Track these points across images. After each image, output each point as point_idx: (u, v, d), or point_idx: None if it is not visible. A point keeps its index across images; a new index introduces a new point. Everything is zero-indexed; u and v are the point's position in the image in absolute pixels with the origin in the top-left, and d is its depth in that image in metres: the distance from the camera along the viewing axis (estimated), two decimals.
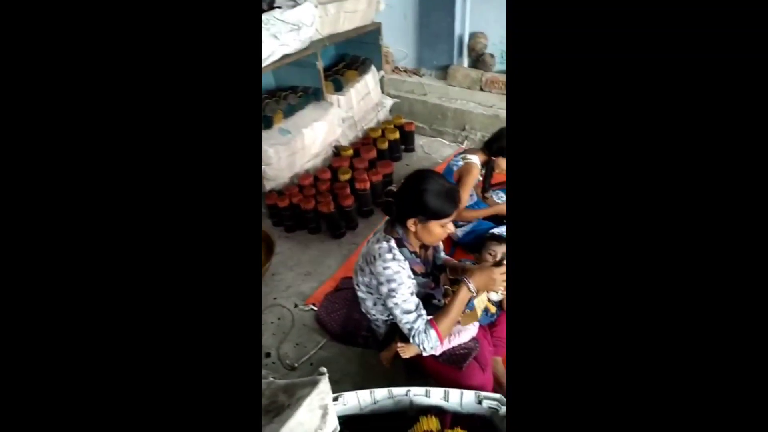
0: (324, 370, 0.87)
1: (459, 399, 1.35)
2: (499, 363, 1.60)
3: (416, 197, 1.29)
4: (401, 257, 1.37)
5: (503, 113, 3.19)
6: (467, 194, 2.01)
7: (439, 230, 1.34)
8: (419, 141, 3.39)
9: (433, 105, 3.45)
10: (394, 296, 1.33)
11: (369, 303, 1.57)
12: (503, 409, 1.29)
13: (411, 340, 1.35)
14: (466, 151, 2.10)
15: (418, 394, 1.35)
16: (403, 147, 3.19)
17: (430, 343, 1.33)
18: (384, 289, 1.36)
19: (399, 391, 1.35)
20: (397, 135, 3.05)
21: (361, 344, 1.72)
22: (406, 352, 1.44)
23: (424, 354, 1.39)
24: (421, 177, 1.32)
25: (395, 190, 1.44)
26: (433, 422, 1.22)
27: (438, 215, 1.30)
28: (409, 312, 1.34)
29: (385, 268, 1.34)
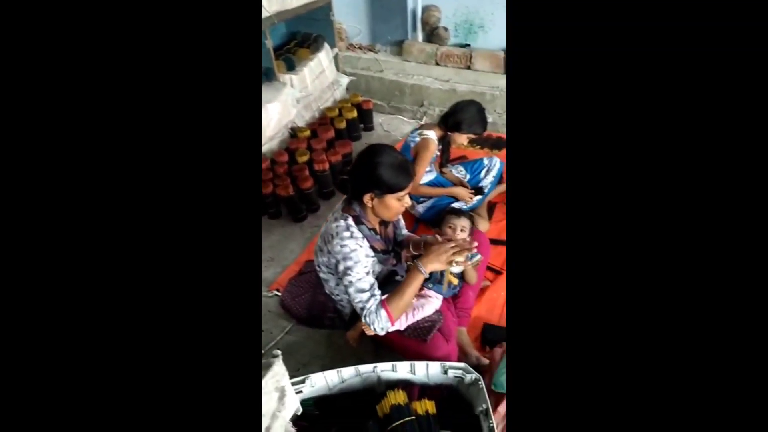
0: (278, 352, 0.86)
1: (425, 371, 1.37)
2: (463, 333, 1.64)
3: (370, 172, 1.27)
4: (359, 235, 1.36)
5: (460, 87, 3.20)
6: (424, 169, 2.01)
7: (396, 204, 1.33)
8: (378, 119, 3.35)
9: (390, 81, 3.41)
10: (349, 274, 1.33)
11: (332, 283, 1.56)
12: (468, 377, 1.33)
13: (363, 320, 1.36)
14: (422, 127, 2.09)
15: (385, 370, 1.36)
16: (361, 126, 3.15)
17: (381, 324, 1.33)
18: (340, 267, 1.35)
19: (366, 369, 1.36)
20: (354, 114, 3.01)
21: (328, 326, 1.72)
22: (370, 330, 1.45)
23: (379, 333, 1.40)
24: (373, 151, 1.31)
25: (348, 169, 1.43)
26: (400, 395, 1.24)
27: (393, 188, 1.29)
28: (362, 291, 1.33)
29: (342, 246, 1.33)
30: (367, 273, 1.35)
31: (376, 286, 1.37)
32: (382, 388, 1.37)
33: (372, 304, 1.33)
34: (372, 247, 1.40)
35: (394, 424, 1.18)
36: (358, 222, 1.38)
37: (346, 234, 1.34)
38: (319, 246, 1.49)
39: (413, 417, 1.20)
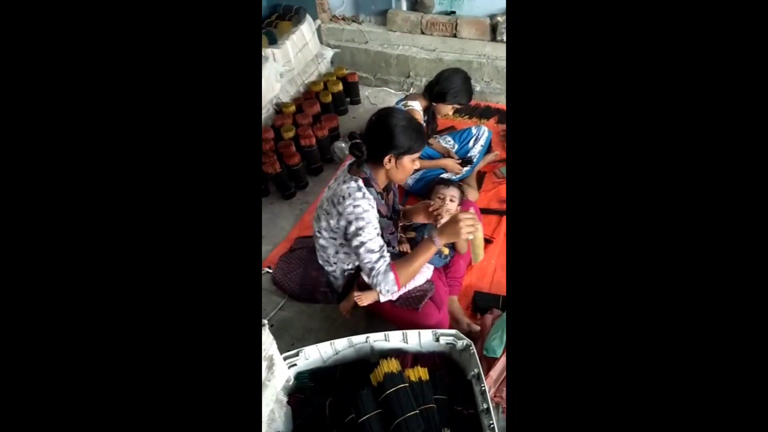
0: (264, 322, 0.87)
1: (418, 339, 1.39)
2: (454, 301, 1.66)
3: (388, 134, 1.31)
4: (370, 196, 1.37)
5: (447, 56, 3.14)
6: None
7: (410, 165, 1.39)
8: (364, 92, 3.30)
9: (375, 53, 3.34)
10: (360, 234, 1.33)
11: (331, 251, 1.55)
12: (459, 343, 1.35)
13: (369, 280, 1.37)
14: (407, 98, 2.06)
15: (377, 340, 1.38)
16: (347, 99, 3.10)
17: (387, 286, 1.34)
18: (351, 228, 1.35)
19: (359, 339, 1.37)
20: (340, 87, 2.95)
21: (321, 300, 1.73)
22: (363, 300, 1.47)
23: (381, 299, 1.41)
24: (388, 114, 1.34)
25: (358, 133, 1.45)
26: (393, 364, 1.26)
27: (411, 150, 1.34)
28: (372, 251, 1.34)
29: (354, 207, 1.34)
30: (378, 234, 1.36)
31: (385, 248, 1.38)
32: (375, 357, 1.38)
33: (381, 265, 1.34)
34: (378, 210, 1.40)
35: (387, 392, 1.20)
36: (368, 184, 1.39)
37: (359, 194, 1.35)
38: (325, 209, 1.46)
39: (406, 384, 1.23)
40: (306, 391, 1.35)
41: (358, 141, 1.38)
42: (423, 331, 1.37)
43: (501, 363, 1.41)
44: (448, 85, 1.94)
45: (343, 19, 3.56)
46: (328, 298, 1.71)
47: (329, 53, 3.31)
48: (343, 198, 1.35)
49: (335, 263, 1.58)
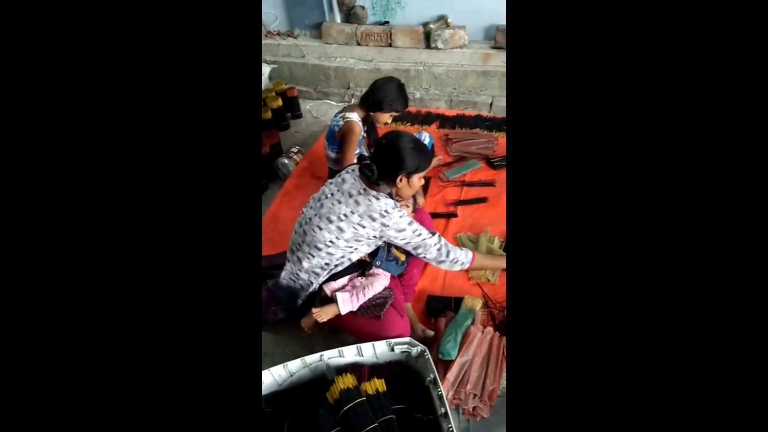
0: None
1: (373, 351, 1.39)
2: (408, 309, 1.66)
3: (399, 156, 1.42)
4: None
5: (384, 66, 3.18)
6: (353, 152, 1.99)
7: (417, 183, 1.51)
8: (306, 105, 3.28)
9: (313, 66, 3.34)
10: (420, 233, 1.48)
11: (337, 255, 1.50)
12: (414, 350, 1.35)
13: (444, 258, 1.54)
14: (344, 110, 2.07)
15: (332, 357, 1.36)
16: (289, 114, 3.07)
17: (464, 256, 1.56)
18: (407, 233, 1.47)
19: (313, 358, 1.35)
20: (279, 102, 2.92)
21: (270, 320, 1.68)
22: (323, 315, 1.45)
23: (342, 310, 1.44)
24: (397, 138, 1.46)
25: (368, 156, 1.59)
26: (348, 379, 1.24)
27: (420, 169, 1.46)
28: (432, 236, 1.51)
29: (401, 216, 1.46)
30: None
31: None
32: (332, 375, 1.36)
33: (446, 242, 1.54)
34: None
35: (345, 408, 1.18)
36: (392, 198, 1.49)
37: (397, 207, 1.47)
38: (358, 223, 1.44)
39: (363, 398, 1.21)
40: (263, 417, 1.31)
41: (368, 162, 1.46)
42: (377, 343, 1.37)
43: (457, 365, 1.42)
44: (382, 95, 1.96)
45: (278, 34, 3.53)
46: (277, 315, 1.66)
47: (267, 69, 3.27)
48: (387, 212, 1.43)
49: (321, 269, 1.53)
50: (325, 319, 1.45)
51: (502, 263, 1.70)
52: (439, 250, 1.51)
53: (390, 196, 1.49)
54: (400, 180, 1.45)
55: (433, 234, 1.53)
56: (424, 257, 1.53)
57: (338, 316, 1.46)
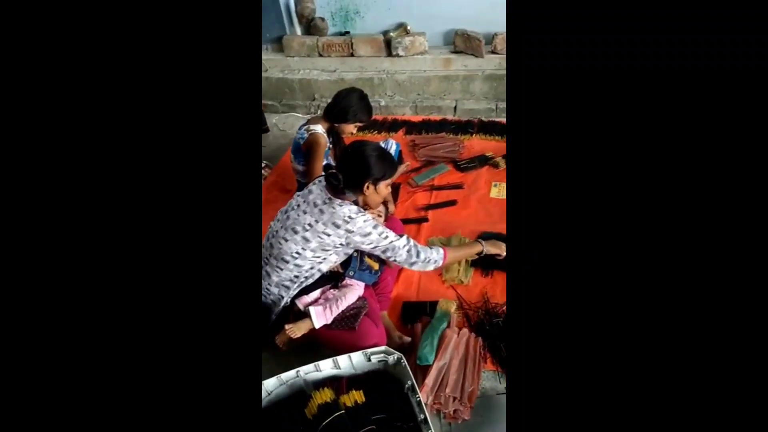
0: None
1: (350, 362, 1.38)
2: (384, 317, 1.66)
3: (364, 164, 1.42)
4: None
5: (347, 75, 3.19)
6: (320, 164, 1.99)
7: (385, 190, 1.51)
8: (272, 119, 3.26)
9: (277, 80, 3.33)
10: (387, 236, 1.46)
11: (306, 266, 1.49)
12: (390, 358, 1.35)
13: (415, 260, 1.50)
14: (309, 122, 2.07)
15: (309, 372, 1.35)
16: None
17: (436, 255, 1.53)
18: (373, 237, 1.45)
19: (289, 375, 1.33)
20: None
21: None
22: (296, 331, 1.44)
23: (317, 324, 1.43)
24: (362, 147, 1.47)
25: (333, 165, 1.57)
26: (325, 393, 1.23)
27: (386, 176, 1.47)
28: (400, 238, 1.49)
29: (365, 221, 1.44)
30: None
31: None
32: (311, 390, 1.35)
33: (415, 243, 1.52)
34: None
35: (323, 423, 1.17)
36: (357, 205, 1.48)
37: (361, 212, 1.45)
38: (323, 232, 1.44)
39: (342, 411, 1.21)
40: None
41: (334, 171, 1.46)
42: (354, 354, 1.36)
43: (435, 369, 1.43)
44: (346, 106, 1.97)
45: None
46: None
47: None
48: (350, 218, 1.42)
49: (286, 284, 1.52)
50: (299, 335, 1.44)
51: (473, 249, 1.65)
52: (408, 251, 1.50)
53: (355, 203, 1.49)
54: (367, 187, 1.45)
55: (401, 236, 1.52)
56: (395, 260, 1.51)
57: (313, 330, 1.45)
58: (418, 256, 1.51)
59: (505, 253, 1.63)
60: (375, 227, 1.46)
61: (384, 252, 1.50)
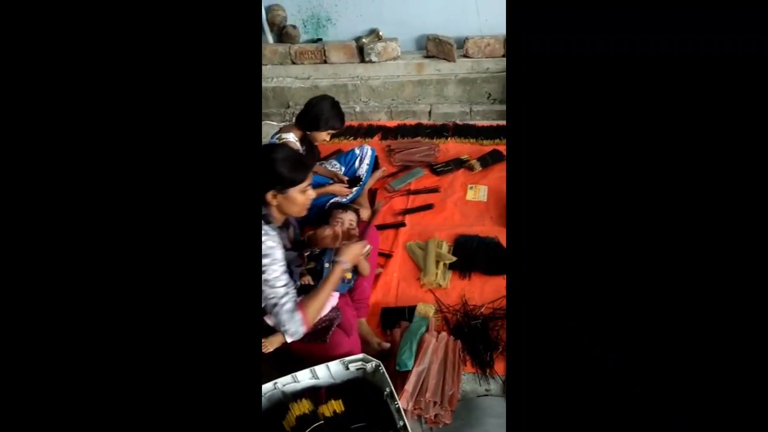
0: None
1: (328, 372, 1.36)
2: (363, 324, 1.65)
3: (267, 170, 1.29)
4: (273, 233, 1.33)
5: (321, 82, 3.19)
6: None
7: (301, 197, 1.35)
8: None
9: None
10: (264, 272, 1.28)
11: None
12: (369, 366, 1.34)
13: (273, 321, 1.32)
14: (281, 130, 2.05)
15: (286, 383, 1.33)
16: None
17: (293, 327, 1.29)
18: (266, 262, 1.29)
19: (267, 387, 1.31)
20: None
21: None
22: (268, 345, 1.41)
23: (288, 340, 1.36)
24: (267, 149, 1.36)
25: None
26: (303, 405, 1.22)
27: (294, 182, 1.32)
28: (274, 287, 1.30)
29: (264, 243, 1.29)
30: (284, 273, 1.31)
31: (292, 285, 1.33)
32: (290, 401, 1.33)
33: (287, 302, 1.29)
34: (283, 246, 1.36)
35: None
36: (266, 221, 1.34)
37: (261, 233, 1.29)
38: None
39: (321, 422, 1.19)
40: None
41: None
42: (331, 363, 1.35)
43: (414, 374, 1.42)
44: (318, 113, 1.96)
45: None
46: None
47: None
48: None
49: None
50: (271, 349, 1.41)
51: (330, 284, 1.41)
52: (274, 305, 1.29)
53: (265, 219, 1.35)
54: (273, 196, 1.33)
55: (280, 288, 1.29)
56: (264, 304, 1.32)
57: (284, 344, 1.42)
58: (275, 314, 1.30)
59: (360, 252, 1.47)
60: (264, 257, 1.28)
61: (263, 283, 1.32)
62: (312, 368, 1.33)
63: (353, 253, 1.46)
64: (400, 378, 1.44)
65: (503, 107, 2.99)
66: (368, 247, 1.67)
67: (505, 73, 2.96)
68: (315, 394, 1.31)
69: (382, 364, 1.32)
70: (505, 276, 1.84)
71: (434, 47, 3.06)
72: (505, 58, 3.01)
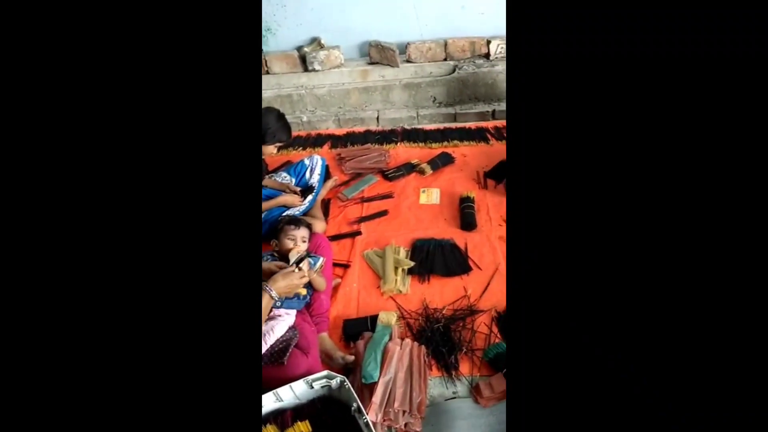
0: None
1: (292, 393, 1.32)
2: (324, 339, 1.61)
3: None
4: None
5: (265, 94, 3.12)
6: None
7: None
8: None
9: None
10: None
11: None
12: (333, 382, 1.31)
13: None
14: None
15: None
16: None
17: None
18: None
19: None
20: None
21: None
22: None
23: None
24: None
25: None
26: (268, 430, 1.17)
27: None
28: None
29: None
30: None
31: None
32: None
33: None
34: None
35: None
36: None
37: None
38: None
39: None
40: None
41: None
42: (295, 384, 1.30)
43: (381, 385, 1.40)
44: (264, 127, 1.91)
45: None
46: None
47: None
48: None
49: None
50: None
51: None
52: None
53: None
54: None
55: None
56: None
57: None
58: None
59: (295, 283, 1.42)
60: None
61: None
62: (275, 391, 1.29)
63: (284, 285, 1.40)
64: (367, 390, 1.42)
65: (449, 110, 3.04)
66: (321, 260, 1.64)
67: (448, 77, 3.02)
68: (280, 417, 1.27)
69: (346, 379, 1.29)
70: (462, 276, 1.87)
71: (377, 53, 3.07)
72: (446, 62, 3.07)
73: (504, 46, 3.02)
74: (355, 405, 1.25)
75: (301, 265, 1.46)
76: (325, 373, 1.31)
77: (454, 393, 1.48)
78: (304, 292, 1.61)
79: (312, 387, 1.32)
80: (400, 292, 1.83)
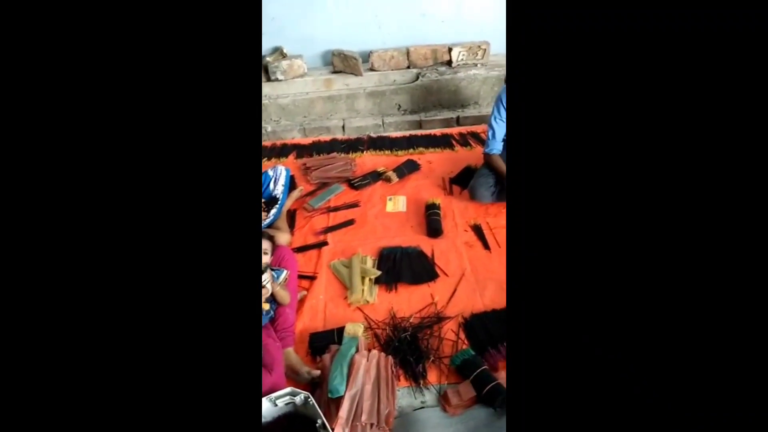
0: None
1: None
2: (290, 354, 1.58)
3: None
4: None
5: None
6: None
7: None
8: None
9: None
10: None
11: None
12: (297, 399, 1.28)
13: None
14: None
15: None
16: None
17: None
18: None
19: None
20: None
21: None
22: None
23: None
24: None
25: None
26: None
27: None
28: None
29: None
30: None
31: None
32: None
33: None
34: None
35: None
36: None
37: None
38: None
39: None
40: None
41: None
42: None
43: (347, 399, 1.37)
44: None
45: None
46: None
47: None
48: None
49: None
50: None
51: None
52: None
53: None
54: None
55: None
56: None
57: None
58: None
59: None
60: None
61: None
62: None
63: None
64: (334, 405, 1.39)
65: (414, 117, 3.06)
66: (284, 273, 1.61)
67: (411, 84, 3.04)
68: None
69: (311, 396, 1.26)
70: (429, 283, 1.87)
71: (340, 62, 3.07)
72: (409, 70, 3.09)
73: (465, 53, 3.06)
74: (320, 421, 1.22)
75: (262, 278, 1.43)
76: (288, 390, 1.28)
77: (422, 402, 1.47)
78: (267, 306, 1.57)
79: (276, 404, 1.28)
80: (368, 302, 1.81)
